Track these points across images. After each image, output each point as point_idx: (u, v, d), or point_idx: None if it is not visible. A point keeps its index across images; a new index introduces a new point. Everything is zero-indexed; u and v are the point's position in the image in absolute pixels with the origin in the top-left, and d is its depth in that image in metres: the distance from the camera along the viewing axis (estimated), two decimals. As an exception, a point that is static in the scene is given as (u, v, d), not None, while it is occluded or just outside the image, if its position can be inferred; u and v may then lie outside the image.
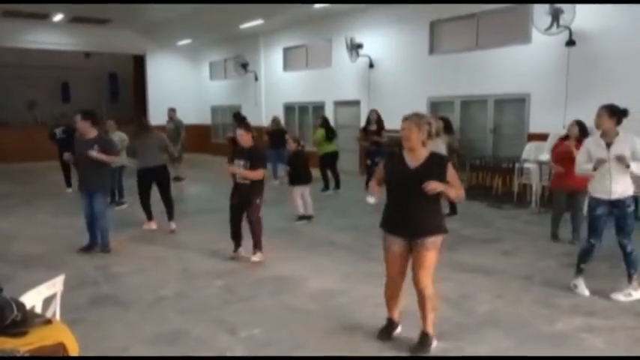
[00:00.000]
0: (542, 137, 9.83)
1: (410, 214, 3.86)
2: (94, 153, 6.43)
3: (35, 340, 2.53)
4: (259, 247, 6.37)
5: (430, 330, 3.98)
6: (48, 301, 3.12)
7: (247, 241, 6.47)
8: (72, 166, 11.44)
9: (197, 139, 20.17)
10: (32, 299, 2.94)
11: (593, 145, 5.10)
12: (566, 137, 7.10)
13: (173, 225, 7.97)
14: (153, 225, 8.17)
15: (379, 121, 11.03)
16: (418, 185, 3.69)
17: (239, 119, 11.03)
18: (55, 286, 3.14)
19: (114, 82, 23.52)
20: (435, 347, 3.96)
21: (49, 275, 5.82)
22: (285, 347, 4.04)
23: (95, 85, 22.91)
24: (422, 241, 3.82)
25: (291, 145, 8.61)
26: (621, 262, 5.18)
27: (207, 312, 4.79)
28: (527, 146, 10.03)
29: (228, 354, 3.93)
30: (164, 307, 4.93)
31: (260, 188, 6.39)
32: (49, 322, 2.73)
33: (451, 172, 3.83)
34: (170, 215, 8.01)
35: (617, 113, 4.90)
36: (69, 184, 11.72)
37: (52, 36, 17.87)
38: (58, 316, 3.12)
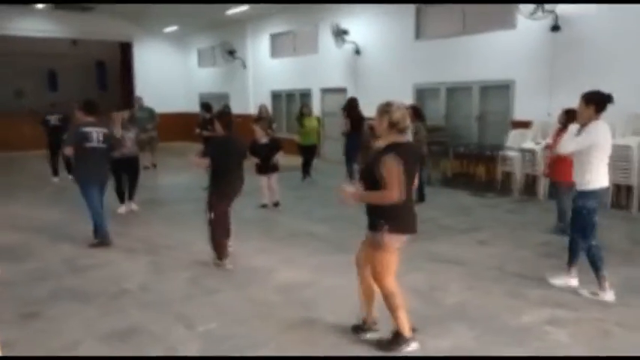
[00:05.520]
0: (527, 125, 9.71)
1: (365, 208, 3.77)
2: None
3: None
4: (216, 253, 5.76)
5: (399, 329, 3.76)
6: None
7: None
8: (60, 157, 11.39)
9: (185, 127, 19.97)
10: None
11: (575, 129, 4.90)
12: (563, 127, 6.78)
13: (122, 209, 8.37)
14: (124, 208, 8.39)
15: (351, 114, 10.78)
16: (363, 175, 3.69)
17: (208, 108, 11.02)
18: None
19: (101, 69, 23.20)
20: (410, 350, 3.74)
21: (10, 267, 5.77)
22: (240, 343, 3.93)
23: (83, 73, 22.60)
24: (367, 234, 3.74)
25: (260, 135, 8.48)
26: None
27: (168, 306, 4.68)
28: (511, 134, 9.89)
29: (180, 350, 3.82)
30: (126, 301, 4.81)
31: (212, 183, 5.78)
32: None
33: (387, 169, 3.48)
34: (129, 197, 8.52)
35: (592, 101, 4.62)
36: (56, 173, 11.61)
37: (38, 23, 17.59)
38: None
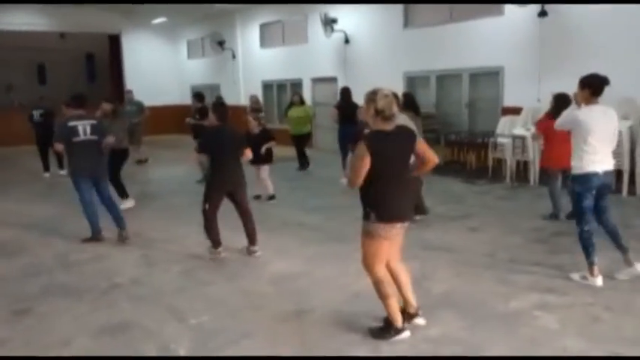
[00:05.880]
0: (517, 111, 9.73)
1: None
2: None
3: None
4: (211, 242, 5.79)
5: (390, 317, 3.79)
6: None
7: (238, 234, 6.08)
8: (50, 151, 11.23)
9: (178, 119, 19.87)
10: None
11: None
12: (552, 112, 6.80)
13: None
14: (132, 202, 8.31)
15: (342, 104, 10.52)
16: None
17: (200, 98, 10.99)
18: None
19: (91, 62, 23.06)
20: (401, 338, 3.77)
21: (2, 263, 5.77)
22: (231, 335, 3.94)
23: (72, 66, 22.44)
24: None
25: (253, 125, 8.45)
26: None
27: (160, 299, 4.69)
28: (501, 120, 9.91)
29: (173, 346, 3.83)
30: (117, 295, 4.81)
31: (208, 176, 5.84)
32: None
33: (353, 156, 3.66)
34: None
35: (587, 84, 4.64)
36: (47, 168, 11.55)
37: (26, 16, 17.37)
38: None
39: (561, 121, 4.92)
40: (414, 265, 5.24)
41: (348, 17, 13.10)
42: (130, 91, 14.00)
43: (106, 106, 8.27)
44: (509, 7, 9.70)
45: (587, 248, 4.76)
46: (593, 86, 4.62)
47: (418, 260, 5.46)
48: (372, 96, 3.62)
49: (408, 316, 3.95)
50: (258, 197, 8.58)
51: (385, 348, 3.70)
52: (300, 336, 3.92)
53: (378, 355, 3.64)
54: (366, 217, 3.69)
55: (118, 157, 8.10)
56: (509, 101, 10.12)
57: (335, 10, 13.15)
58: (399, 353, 3.63)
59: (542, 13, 9.20)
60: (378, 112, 3.59)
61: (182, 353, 3.74)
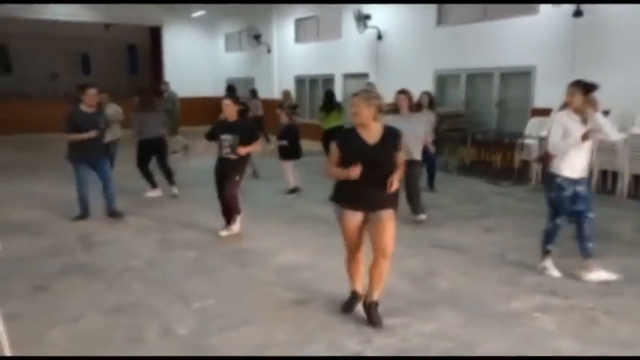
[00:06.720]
0: (547, 112, 9.53)
1: (370, 188, 3.84)
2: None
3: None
4: (232, 222, 6.32)
5: (379, 298, 4.04)
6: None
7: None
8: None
9: (213, 112, 20.22)
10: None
11: (568, 121, 4.86)
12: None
13: (175, 190, 8.52)
14: (158, 192, 8.55)
15: None
16: (379, 160, 3.74)
17: (232, 91, 11.13)
18: None
19: (133, 53, 23.68)
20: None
21: (28, 241, 6.05)
22: (231, 320, 4.09)
23: (115, 56, 23.11)
24: (383, 212, 3.87)
25: (284, 119, 8.56)
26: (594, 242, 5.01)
27: (170, 282, 4.87)
28: (530, 122, 9.75)
29: (175, 326, 3.99)
30: (130, 277, 5.02)
31: (243, 164, 6.34)
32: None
33: (402, 149, 3.91)
34: (170, 181, 8.59)
35: (587, 89, 4.67)
36: None
37: (71, 7, 18.03)
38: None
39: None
40: (419, 262, 5.33)
41: (381, 13, 13.09)
42: (166, 83, 14.20)
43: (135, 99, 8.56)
44: (544, 6, 9.53)
45: (552, 238, 5.15)
46: (592, 91, 4.67)
47: (425, 257, 5.51)
48: (375, 95, 3.87)
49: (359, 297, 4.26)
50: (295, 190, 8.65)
51: (377, 340, 3.76)
52: (298, 325, 4.02)
53: (369, 346, 3.71)
54: (395, 205, 3.94)
55: (153, 146, 8.38)
56: (539, 102, 9.94)
57: (369, 7, 13.15)
58: (391, 346, 3.69)
59: (578, 13, 9.01)
60: (381, 110, 3.84)
61: (183, 333, 3.89)
